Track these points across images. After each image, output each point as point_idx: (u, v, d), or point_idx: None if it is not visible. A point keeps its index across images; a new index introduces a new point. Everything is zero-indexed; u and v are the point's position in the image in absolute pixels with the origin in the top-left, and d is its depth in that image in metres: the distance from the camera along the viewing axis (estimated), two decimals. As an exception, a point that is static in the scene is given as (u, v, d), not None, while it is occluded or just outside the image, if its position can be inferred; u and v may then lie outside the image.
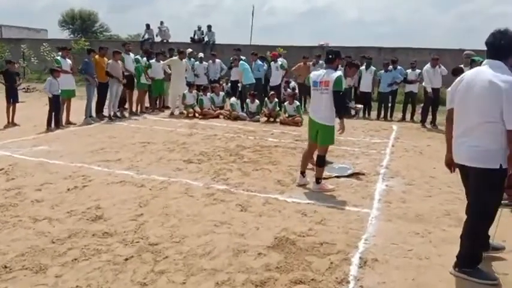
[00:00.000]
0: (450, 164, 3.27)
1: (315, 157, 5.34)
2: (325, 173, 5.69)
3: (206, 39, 18.16)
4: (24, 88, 15.27)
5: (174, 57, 11.12)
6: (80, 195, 4.73)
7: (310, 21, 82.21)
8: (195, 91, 11.06)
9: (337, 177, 5.67)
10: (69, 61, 9.12)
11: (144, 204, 4.48)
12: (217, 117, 10.62)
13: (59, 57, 9.08)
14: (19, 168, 5.72)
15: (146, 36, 19.22)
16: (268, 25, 70.85)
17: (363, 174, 5.84)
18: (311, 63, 12.47)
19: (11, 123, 8.82)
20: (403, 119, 11.26)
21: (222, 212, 4.30)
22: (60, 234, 3.73)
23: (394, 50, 16.32)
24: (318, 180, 5.12)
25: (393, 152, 7.39)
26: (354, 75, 8.77)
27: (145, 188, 5.05)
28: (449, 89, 3.20)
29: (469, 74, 3.13)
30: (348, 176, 5.70)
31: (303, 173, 5.37)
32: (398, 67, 11.40)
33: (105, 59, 9.69)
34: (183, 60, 11.13)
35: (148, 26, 19.17)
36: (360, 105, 11.21)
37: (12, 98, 8.83)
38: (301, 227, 3.97)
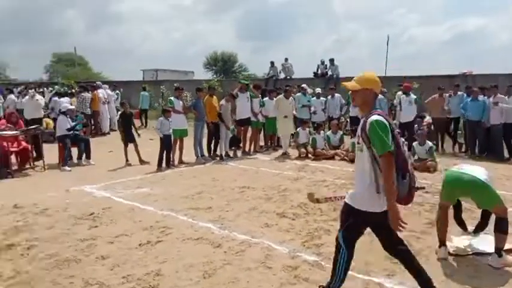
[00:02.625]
0: None
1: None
2: (455, 245, 4.15)
3: (329, 73, 17.30)
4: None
5: (279, 96, 10.49)
6: (148, 254, 4.18)
7: (454, 49, 75.03)
8: (309, 129, 10.17)
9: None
10: (181, 102, 9.21)
11: (209, 275, 3.68)
12: (332, 158, 9.49)
13: (172, 98, 9.24)
14: (109, 213, 5.54)
15: (271, 73, 19.30)
16: (408, 55, 66.66)
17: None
18: (447, 94, 10.55)
19: (127, 162, 9.11)
20: None
21: (299, 300, 3.21)
22: (102, 309, 3.14)
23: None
24: (499, 251, 3.78)
25: None
26: None
27: (220, 249, 4.27)
28: None
29: None
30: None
31: (442, 243, 4.04)
32: None
33: (215, 98, 9.59)
34: (290, 98, 10.40)
35: (272, 63, 19.25)
36: None
37: (128, 139, 9.17)
38: None
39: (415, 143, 8.70)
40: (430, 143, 8.57)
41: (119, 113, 11.17)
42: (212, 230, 4.87)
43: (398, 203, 2.81)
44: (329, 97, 11.72)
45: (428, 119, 11.01)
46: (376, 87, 2.97)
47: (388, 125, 2.80)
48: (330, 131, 10.25)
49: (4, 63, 30.41)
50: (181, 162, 9.24)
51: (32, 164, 8.83)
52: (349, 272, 3.64)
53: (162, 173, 8.34)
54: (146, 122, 16.50)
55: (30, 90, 11.90)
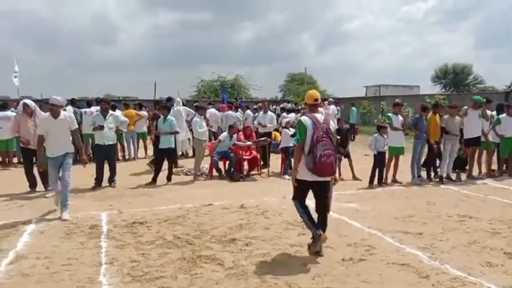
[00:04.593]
0: None
1: None
2: None
3: None
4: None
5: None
6: (349, 271, 4.15)
7: None
8: None
9: None
10: (400, 118, 8.81)
11: (410, 307, 3.39)
12: None
13: (390, 114, 8.95)
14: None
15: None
16: None
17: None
18: None
19: (340, 177, 9.28)
20: None
21: None
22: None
23: None
24: None
25: None
26: None
27: (427, 281, 3.88)
28: None
29: None
30: None
31: None
32: None
33: (438, 115, 8.77)
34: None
35: (519, 73, 16.31)
36: None
37: (340, 154, 9.33)
38: None
39: None
40: None
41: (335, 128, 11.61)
42: (420, 258, 4.48)
43: (312, 172, 4.37)
44: None
45: None
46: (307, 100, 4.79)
47: (304, 124, 4.48)
48: None
49: (248, 84, 35.54)
50: (394, 181, 8.83)
51: (259, 170, 10.08)
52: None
53: (373, 190, 8.18)
54: (354, 137, 17.07)
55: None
